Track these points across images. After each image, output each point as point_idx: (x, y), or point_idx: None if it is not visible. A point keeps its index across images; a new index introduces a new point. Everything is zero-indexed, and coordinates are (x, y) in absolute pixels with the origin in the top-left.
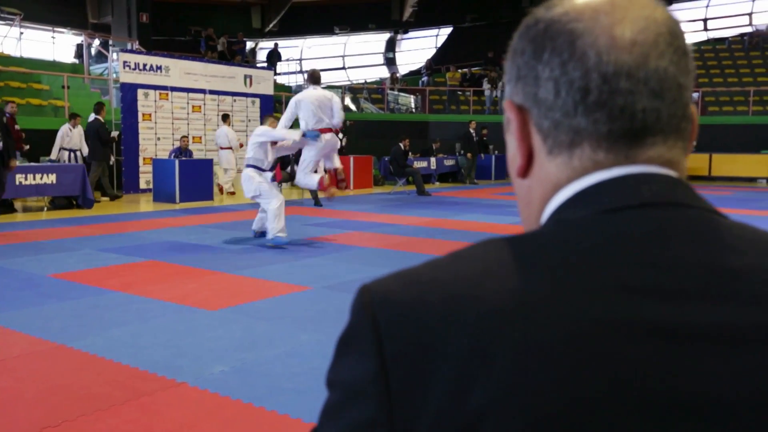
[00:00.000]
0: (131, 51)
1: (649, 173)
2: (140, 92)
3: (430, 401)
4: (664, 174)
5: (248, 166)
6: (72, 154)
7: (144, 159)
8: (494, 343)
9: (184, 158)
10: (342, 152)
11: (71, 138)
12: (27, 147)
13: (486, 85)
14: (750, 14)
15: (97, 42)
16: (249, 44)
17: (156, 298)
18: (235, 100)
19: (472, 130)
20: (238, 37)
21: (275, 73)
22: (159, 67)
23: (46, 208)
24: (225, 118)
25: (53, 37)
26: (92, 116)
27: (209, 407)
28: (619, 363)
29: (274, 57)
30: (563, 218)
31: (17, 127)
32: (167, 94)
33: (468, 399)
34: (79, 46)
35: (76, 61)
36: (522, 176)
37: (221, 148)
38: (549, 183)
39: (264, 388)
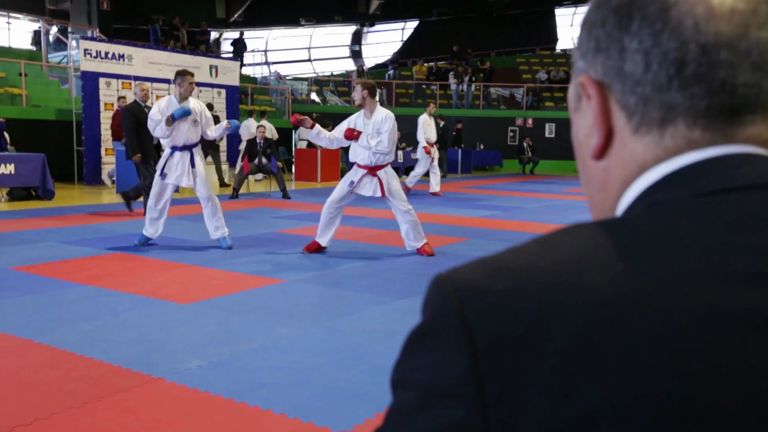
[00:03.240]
0: (92, 39)
1: (749, 153)
2: (102, 81)
3: (531, 402)
4: (763, 155)
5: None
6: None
7: (106, 150)
8: (605, 335)
9: None
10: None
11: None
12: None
13: (452, 80)
14: None
15: (55, 29)
16: (213, 35)
17: (125, 292)
18: (200, 91)
19: (441, 124)
20: (201, 27)
21: (241, 64)
22: (122, 56)
23: (3, 199)
24: (264, 113)
25: (9, 23)
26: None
27: (189, 403)
28: (743, 355)
29: (240, 46)
30: (656, 201)
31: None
32: (130, 84)
33: (577, 397)
34: (37, 33)
35: (33, 48)
36: (598, 157)
37: None
38: (633, 164)
39: (244, 383)
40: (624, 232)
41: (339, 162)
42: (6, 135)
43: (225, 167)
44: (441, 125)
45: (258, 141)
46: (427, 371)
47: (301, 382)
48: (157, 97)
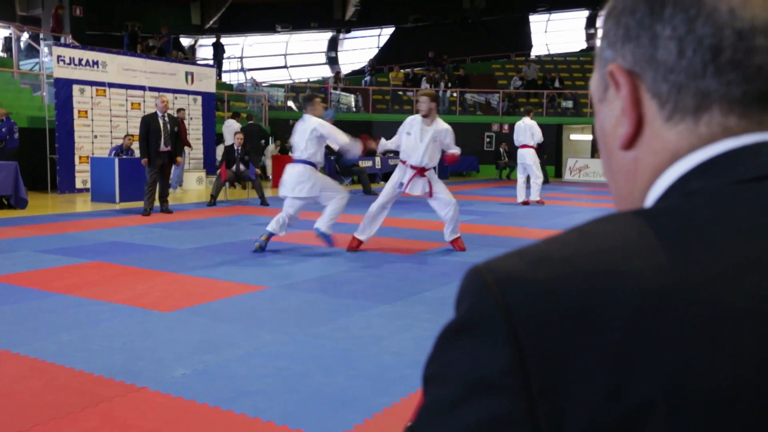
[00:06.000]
0: (65, 45)
1: None
2: (75, 88)
3: (580, 393)
4: None
5: (302, 162)
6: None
7: (80, 158)
8: (656, 325)
9: (125, 157)
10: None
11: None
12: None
13: (425, 85)
14: None
15: (26, 35)
16: (188, 41)
17: (105, 300)
18: (176, 98)
19: None
20: (162, 32)
21: (220, 71)
22: (95, 63)
23: None
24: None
25: None
26: (231, 121)
27: (174, 412)
28: None
29: (219, 50)
30: (695, 189)
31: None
32: (105, 91)
33: (630, 388)
34: (7, 39)
35: (4, 55)
36: (627, 147)
37: None
38: (666, 152)
39: (230, 390)
40: (666, 221)
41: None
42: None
43: (200, 173)
44: None
45: (236, 148)
46: (467, 364)
47: (288, 388)
48: (132, 105)
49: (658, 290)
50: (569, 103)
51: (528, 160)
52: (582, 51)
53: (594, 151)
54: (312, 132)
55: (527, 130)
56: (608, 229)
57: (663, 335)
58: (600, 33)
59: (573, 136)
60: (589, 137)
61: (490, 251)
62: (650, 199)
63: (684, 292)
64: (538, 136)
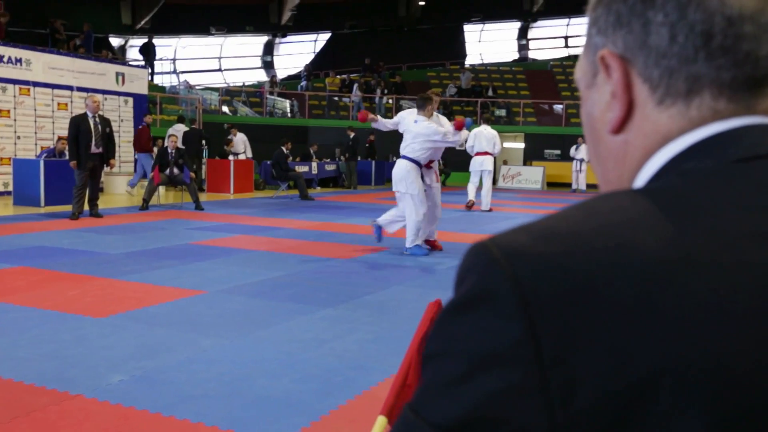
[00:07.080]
0: None
1: None
2: None
3: (591, 363)
4: None
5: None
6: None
7: (1, 159)
8: (665, 296)
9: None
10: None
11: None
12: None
13: (356, 92)
14: None
15: None
16: (118, 41)
17: (33, 306)
18: (106, 99)
19: (351, 135)
20: (84, 28)
21: (151, 72)
22: (19, 60)
23: None
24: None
25: None
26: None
27: (112, 419)
28: None
29: (150, 52)
30: (688, 169)
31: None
32: (29, 90)
33: (637, 359)
34: None
35: None
36: (617, 131)
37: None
38: (657, 135)
39: (170, 396)
40: (666, 198)
41: (252, 174)
42: None
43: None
44: (352, 137)
45: (169, 151)
46: (476, 339)
47: (231, 393)
48: (59, 106)
49: (663, 263)
50: (502, 112)
51: (490, 166)
52: (514, 61)
53: (526, 159)
54: (426, 138)
55: (491, 139)
56: (611, 205)
57: (669, 306)
58: (588, 20)
59: (506, 144)
60: (522, 145)
61: (438, 258)
62: (640, 180)
63: (689, 264)
64: (499, 147)
